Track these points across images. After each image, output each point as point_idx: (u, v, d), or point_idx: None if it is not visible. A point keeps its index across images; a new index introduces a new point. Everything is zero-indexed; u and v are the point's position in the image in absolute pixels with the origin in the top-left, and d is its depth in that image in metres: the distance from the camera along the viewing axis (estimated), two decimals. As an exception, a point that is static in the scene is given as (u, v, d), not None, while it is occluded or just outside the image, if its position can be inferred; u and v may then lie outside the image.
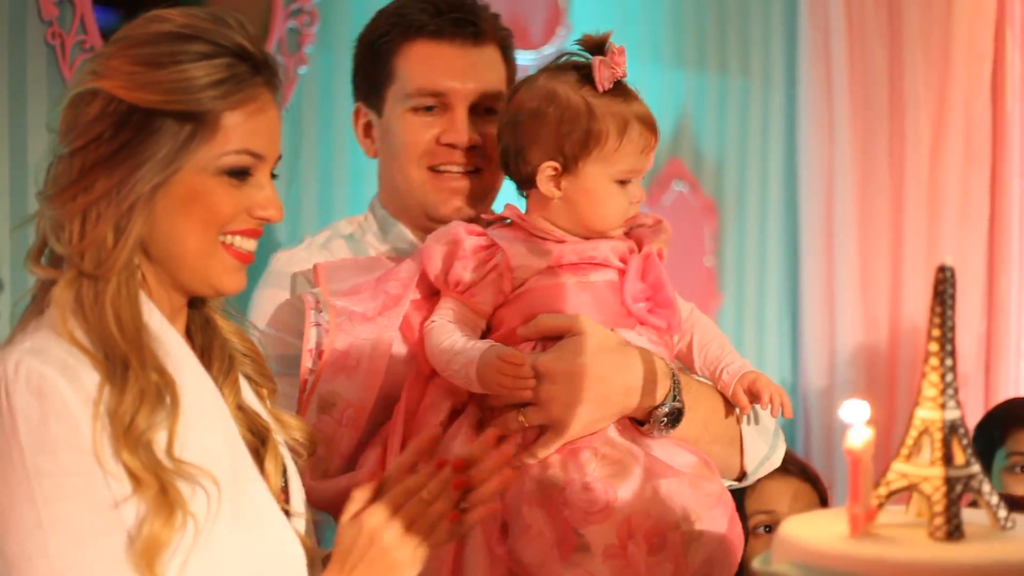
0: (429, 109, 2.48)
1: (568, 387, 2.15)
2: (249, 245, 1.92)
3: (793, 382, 4.43)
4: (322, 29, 3.31)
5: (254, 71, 1.88)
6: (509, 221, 2.33)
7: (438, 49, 2.49)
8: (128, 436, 1.75)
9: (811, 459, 4.11)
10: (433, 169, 2.48)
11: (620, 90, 2.28)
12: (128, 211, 1.81)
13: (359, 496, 1.90)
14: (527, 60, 3.71)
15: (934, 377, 1.59)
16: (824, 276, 4.40)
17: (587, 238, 2.28)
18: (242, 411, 1.98)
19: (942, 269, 1.56)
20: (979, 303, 4.66)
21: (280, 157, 1.95)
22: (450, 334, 2.22)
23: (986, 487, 1.59)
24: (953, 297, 1.56)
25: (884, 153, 4.45)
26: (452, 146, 2.47)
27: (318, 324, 2.31)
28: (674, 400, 2.22)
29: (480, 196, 2.50)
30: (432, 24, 2.48)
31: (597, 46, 2.28)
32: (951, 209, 4.55)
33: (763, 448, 2.39)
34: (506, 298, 2.25)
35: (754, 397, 2.28)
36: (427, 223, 2.49)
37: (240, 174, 1.88)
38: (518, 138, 2.30)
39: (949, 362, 1.58)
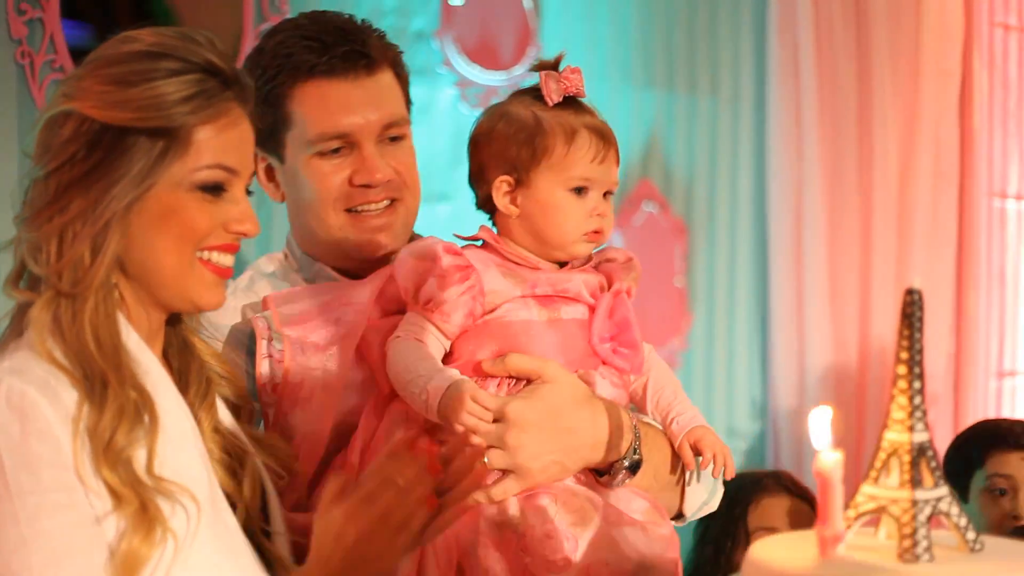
0: (335, 151, 2.38)
1: (537, 437, 2.13)
2: (227, 260, 1.93)
3: (763, 401, 4.44)
4: (292, 49, 3.30)
5: (224, 86, 1.89)
6: (482, 243, 2.32)
7: (332, 88, 2.37)
8: (108, 453, 1.76)
9: (780, 479, 4.11)
10: (351, 211, 2.39)
11: (572, 103, 2.27)
12: (104, 229, 1.82)
13: (332, 486, 1.88)
14: (497, 80, 3.73)
15: (902, 400, 1.59)
16: (793, 295, 4.41)
17: (555, 260, 2.28)
18: (219, 433, 1.98)
19: (910, 292, 1.57)
20: (948, 322, 4.69)
21: (255, 172, 1.98)
22: (415, 353, 2.19)
23: (954, 509, 1.59)
24: (921, 320, 1.57)
25: (853, 172, 4.47)
26: (367, 186, 2.38)
27: (271, 356, 2.27)
28: (635, 453, 2.22)
29: (402, 226, 2.44)
30: (322, 64, 2.36)
31: (552, 66, 2.27)
32: (920, 227, 4.58)
33: (703, 494, 2.40)
34: (475, 321, 2.24)
35: (699, 454, 2.29)
36: (351, 263, 2.43)
37: (214, 189, 1.88)
38: (477, 159, 2.30)
39: (917, 384, 1.58)
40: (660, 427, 2.34)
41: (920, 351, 1.58)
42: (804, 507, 3.37)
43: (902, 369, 1.59)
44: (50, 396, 1.76)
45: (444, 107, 3.67)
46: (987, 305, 4.88)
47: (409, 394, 2.16)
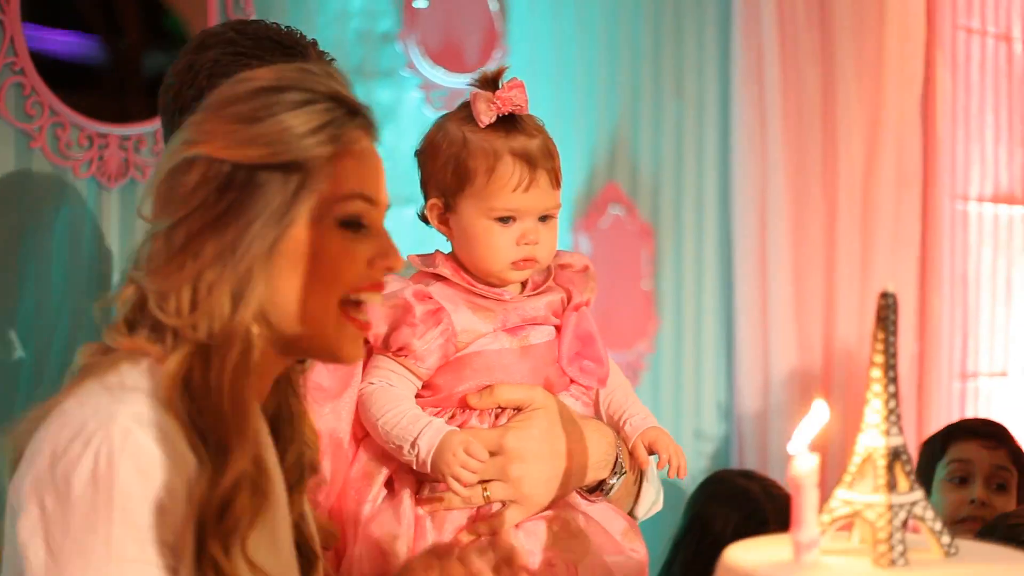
0: None
1: (537, 466, 2.15)
2: (374, 299, 1.80)
3: (728, 404, 4.44)
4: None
5: (351, 115, 1.78)
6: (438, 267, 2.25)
7: None
8: (219, 528, 1.63)
9: (745, 481, 4.12)
10: None
11: (507, 123, 2.18)
12: (246, 274, 1.69)
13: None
14: (462, 83, 3.68)
15: (877, 404, 1.59)
16: (758, 298, 4.41)
17: (489, 284, 2.22)
18: (300, 525, 1.87)
19: (885, 295, 1.56)
20: (912, 324, 4.71)
21: (389, 206, 1.84)
22: (394, 402, 2.15)
23: (929, 513, 1.59)
24: (896, 324, 1.56)
25: (817, 175, 4.47)
26: None
27: None
28: (622, 470, 2.24)
29: None
30: None
31: (491, 81, 2.20)
32: (883, 230, 4.59)
33: (653, 494, 2.41)
34: (448, 360, 2.19)
35: (653, 454, 2.28)
36: None
37: (355, 225, 1.76)
38: (421, 173, 2.26)
39: (892, 388, 1.58)
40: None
41: (895, 355, 1.57)
42: None
43: (876, 373, 1.58)
44: (176, 460, 1.63)
45: (408, 110, 3.64)
46: (950, 307, 4.90)
47: (394, 447, 2.12)
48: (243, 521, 1.64)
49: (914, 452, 3.86)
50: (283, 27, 2.37)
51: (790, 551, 1.56)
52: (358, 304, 1.78)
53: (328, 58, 2.38)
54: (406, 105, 3.64)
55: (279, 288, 1.72)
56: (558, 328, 2.26)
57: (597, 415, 2.34)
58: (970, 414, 4.79)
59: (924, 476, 3.69)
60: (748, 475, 3.77)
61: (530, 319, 2.23)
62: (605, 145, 4.08)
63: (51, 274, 2.91)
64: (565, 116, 3.92)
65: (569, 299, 2.28)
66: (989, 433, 3.76)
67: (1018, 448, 3.77)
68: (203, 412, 1.66)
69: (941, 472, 3.69)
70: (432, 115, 3.62)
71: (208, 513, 1.62)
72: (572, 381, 2.27)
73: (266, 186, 1.70)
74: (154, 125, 2.99)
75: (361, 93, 2.49)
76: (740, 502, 3.58)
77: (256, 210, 1.70)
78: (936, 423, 4.53)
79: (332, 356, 1.81)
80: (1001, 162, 5.08)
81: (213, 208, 1.70)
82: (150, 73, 3.02)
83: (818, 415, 1.59)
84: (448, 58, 3.70)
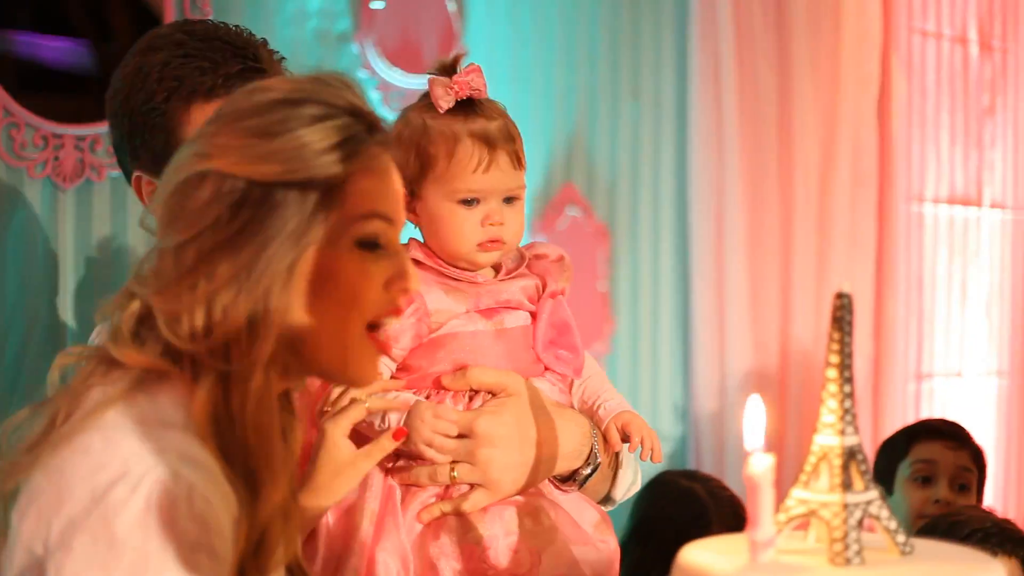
0: None
1: (507, 451, 2.15)
2: (393, 324, 1.77)
3: (684, 405, 4.45)
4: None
5: (370, 131, 1.72)
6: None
7: None
8: (257, 560, 1.60)
9: (702, 482, 4.13)
10: None
11: (466, 108, 2.20)
12: (264, 297, 1.61)
13: None
14: (420, 84, 3.68)
15: (832, 403, 1.59)
16: (714, 299, 4.42)
17: (457, 267, 2.24)
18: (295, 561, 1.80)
19: (840, 296, 1.57)
20: (867, 325, 4.73)
21: (405, 223, 1.79)
22: None
23: (884, 512, 1.60)
24: (851, 324, 1.57)
25: (773, 177, 4.49)
26: None
27: None
28: (596, 460, 2.25)
29: None
30: (220, 87, 2.27)
31: (448, 67, 2.22)
32: (839, 231, 4.61)
33: (630, 475, 2.42)
34: (422, 341, 2.20)
35: (627, 438, 2.29)
36: None
37: (372, 245, 1.70)
38: None
39: (847, 388, 1.59)
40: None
41: (850, 355, 1.58)
42: None
43: (832, 373, 1.59)
44: (225, 500, 1.57)
45: (366, 111, 3.63)
46: (905, 308, 4.93)
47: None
48: (277, 548, 1.62)
49: (870, 452, 3.88)
50: (232, 27, 2.35)
51: (746, 551, 1.57)
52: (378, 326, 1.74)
53: (278, 57, 2.37)
54: (363, 106, 3.63)
55: (297, 311, 1.65)
56: (533, 315, 2.27)
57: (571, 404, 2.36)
58: (925, 415, 4.82)
59: (886, 475, 3.72)
60: (692, 476, 3.79)
61: (504, 302, 2.24)
62: (562, 146, 4.08)
63: (5, 277, 2.89)
64: (522, 117, 3.88)
65: (544, 286, 2.29)
66: (952, 433, 3.80)
67: (979, 449, 3.81)
68: (231, 445, 1.61)
69: (904, 471, 3.72)
70: (389, 116, 3.61)
71: (248, 548, 1.59)
72: (547, 368, 2.28)
73: (283, 205, 1.64)
74: (110, 125, 2.99)
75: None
76: (685, 503, 3.59)
77: (273, 230, 1.63)
78: (892, 423, 4.56)
79: (349, 379, 1.79)
80: (956, 164, 5.11)
81: (227, 226, 1.63)
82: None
83: (756, 411, 1.60)
84: (405, 59, 3.69)
